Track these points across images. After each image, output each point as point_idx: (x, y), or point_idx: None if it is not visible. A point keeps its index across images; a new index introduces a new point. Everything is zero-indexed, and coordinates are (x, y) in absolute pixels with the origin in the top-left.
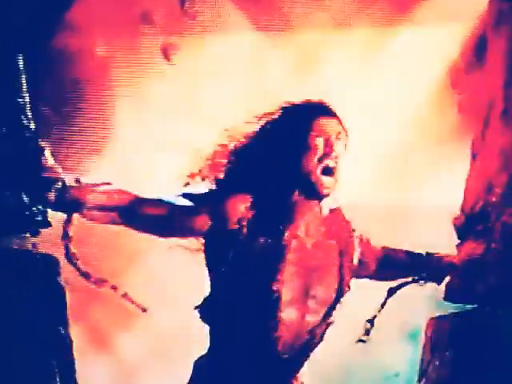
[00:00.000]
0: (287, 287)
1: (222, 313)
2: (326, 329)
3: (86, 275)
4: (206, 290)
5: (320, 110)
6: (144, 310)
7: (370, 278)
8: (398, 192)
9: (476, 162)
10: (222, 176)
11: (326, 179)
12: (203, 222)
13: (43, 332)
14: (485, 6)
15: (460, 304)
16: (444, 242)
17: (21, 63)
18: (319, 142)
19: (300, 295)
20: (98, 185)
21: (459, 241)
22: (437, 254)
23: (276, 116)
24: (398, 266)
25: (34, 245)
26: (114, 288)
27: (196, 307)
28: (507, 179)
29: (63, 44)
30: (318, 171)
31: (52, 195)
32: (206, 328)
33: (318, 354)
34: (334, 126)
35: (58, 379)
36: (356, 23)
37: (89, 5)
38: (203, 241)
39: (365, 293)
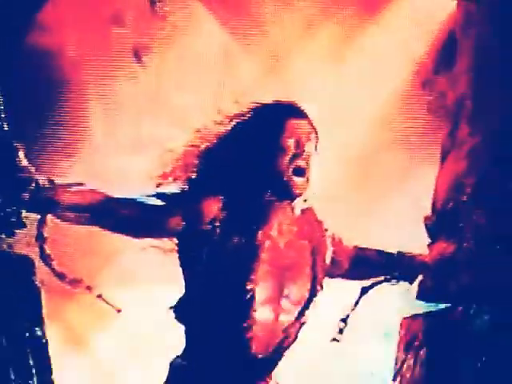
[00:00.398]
0: (261, 287)
1: (197, 313)
2: (299, 328)
3: (61, 276)
4: (181, 290)
5: (291, 111)
6: (119, 311)
7: (343, 277)
8: (369, 192)
9: (446, 162)
10: (194, 176)
11: (297, 179)
12: (176, 222)
13: (19, 332)
14: (453, 7)
15: (433, 303)
16: (415, 242)
17: None
18: (290, 142)
19: (274, 295)
20: (71, 185)
21: (430, 240)
22: (408, 253)
23: (247, 117)
24: (370, 265)
25: (9, 245)
26: (89, 288)
27: (171, 307)
28: (477, 179)
29: (35, 44)
30: (290, 172)
31: (26, 196)
32: (182, 328)
33: (292, 353)
34: (304, 126)
35: (34, 379)
36: (325, 24)
37: (60, 5)
38: (177, 241)
39: (338, 292)
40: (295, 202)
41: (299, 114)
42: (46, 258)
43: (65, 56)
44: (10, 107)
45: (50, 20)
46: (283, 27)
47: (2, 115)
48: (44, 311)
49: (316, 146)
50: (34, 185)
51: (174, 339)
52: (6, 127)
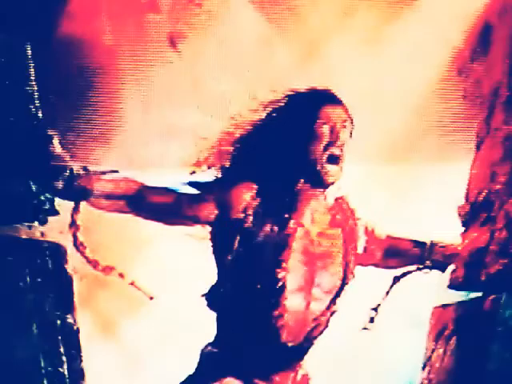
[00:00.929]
0: (292, 275)
1: (229, 300)
2: (330, 316)
3: (93, 263)
4: (213, 277)
5: (326, 97)
6: (151, 298)
7: (375, 266)
8: (402, 181)
9: (480, 150)
10: (227, 164)
11: (331, 167)
12: (209, 210)
13: (51, 319)
14: None
15: (464, 292)
16: (449, 231)
17: (29, 52)
18: (325, 129)
19: (305, 283)
20: (105, 173)
21: (464, 229)
22: (441, 242)
23: (282, 104)
24: (402, 255)
25: (42, 233)
26: (122, 275)
27: (203, 295)
28: (511, 167)
29: (70, 33)
30: (324, 159)
31: (60, 183)
32: (213, 315)
33: (322, 341)
34: (339, 113)
35: (65, 366)
36: (361, 10)
37: None
38: (210, 229)
39: (370, 281)
40: (328, 190)
41: (334, 101)
42: (78, 246)
43: (100, 44)
44: (45, 96)
45: (85, 8)
46: (319, 12)
47: (37, 103)
48: (76, 299)
49: (351, 134)
50: (68, 172)
51: (205, 326)
52: (40, 115)
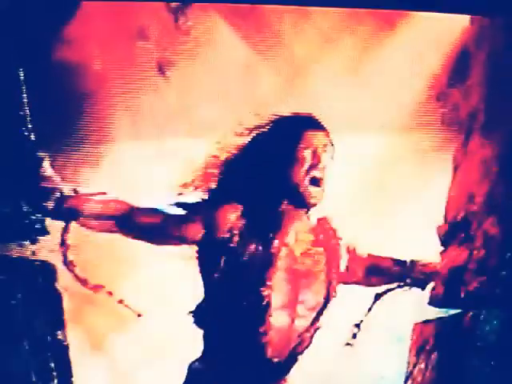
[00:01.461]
0: (277, 293)
1: (215, 317)
2: (314, 333)
3: (83, 281)
4: (200, 295)
5: (308, 122)
6: (139, 315)
7: (357, 284)
8: (383, 202)
9: (458, 172)
10: (213, 186)
11: (313, 189)
12: (196, 230)
13: (41, 336)
14: (467, 21)
15: (444, 309)
16: (428, 250)
17: (21, 76)
18: (307, 153)
19: (289, 301)
20: (94, 194)
21: (443, 248)
22: (421, 261)
23: (266, 128)
24: (383, 273)
25: (33, 252)
26: (110, 293)
27: (190, 312)
28: (487, 189)
29: (62, 58)
30: (306, 182)
31: (50, 204)
32: (200, 332)
33: (306, 357)
34: (321, 138)
35: (55, 381)
36: (343, 39)
37: (86, 20)
38: (196, 248)
39: (352, 298)
40: (311, 211)
41: (316, 125)
42: (68, 264)
43: (90, 69)
44: (36, 118)
45: (77, 34)
46: (303, 41)
47: (29, 126)
48: (66, 316)
49: (332, 157)
50: (58, 193)
51: (192, 343)
52: (32, 137)
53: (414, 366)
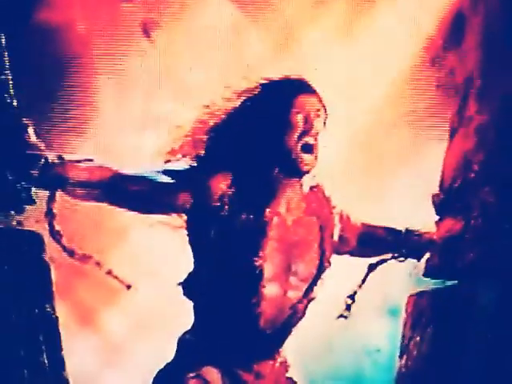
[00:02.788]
0: (269, 263)
1: (206, 289)
2: (307, 304)
3: (70, 252)
4: (190, 266)
5: (300, 86)
6: (128, 287)
7: (351, 254)
8: (377, 169)
9: (454, 139)
10: (202, 153)
11: (305, 156)
12: (185, 198)
13: (29, 309)
14: None
15: (439, 280)
16: (423, 219)
17: (2, 40)
18: (299, 119)
19: (282, 271)
20: (80, 161)
21: (438, 217)
22: (416, 230)
23: (256, 92)
24: (378, 243)
25: (18, 222)
26: (99, 264)
27: (179, 283)
28: (484, 156)
29: (44, 21)
30: (298, 148)
31: (35, 172)
32: (190, 304)
33: (300, 329)
34: (313, 102)
35: (44, 355)
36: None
37: None
38: (185, 217)
39: (345, 269)
40: (303, 178)
41: (308, 90)
42: (55, 235)
43: (73, 32)
44: (19, 84)
45: None
46: (293, 1)
47: (11, 92)
48: (54, 288)
49: (325, 123)
50: (43, 161)
51: (182, 315)
52: (15, 104)
53: (410, 340)
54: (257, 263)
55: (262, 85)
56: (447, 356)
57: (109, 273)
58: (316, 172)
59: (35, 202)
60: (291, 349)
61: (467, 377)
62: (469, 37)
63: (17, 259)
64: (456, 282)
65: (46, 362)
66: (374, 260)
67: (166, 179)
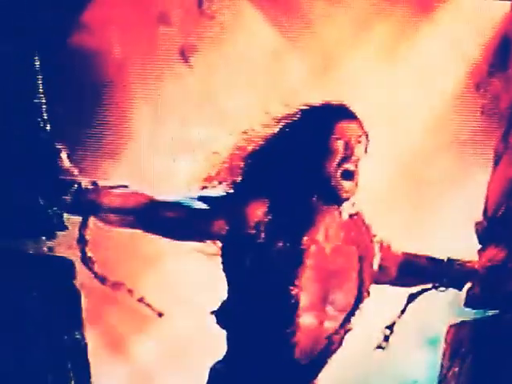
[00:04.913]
0: (305, 293)
1: (239, 318)
2: (344, 335)
3: (102, 279)
4: (223, 294)
5: (341, 112)
6: (160, 315)
7: (391, 283)
8: (418, 197)
9: (498, 166)
10: (239, 179)
11: (345, 183)
12: (220, 225)
13: (58, 336)
14: (508, 7)
15: (481, 310)
16: (466, 248)
17: (37, 64)
18: (339, 145)
19: (318, 301)
20: (114, 187)
21: (481, 246)
22: (458, 259)
23: (295, 118)
24: (418, 272)
25: (49, 248)
26: (131, 292)
27: (212, 312)
28: None
29: (80, 45)
30: (338, 175)
31: (68, 198)
32: (223, 333)
33: (336, 360)
34: (354, 128)
35: (72, 382)
36: (377, 23)
37: (105, 5)
38: (220, 244)
39: (384, 299)
40: (343, 206)
41: (349, 115)
42: (87, 261)
43: (110, 56)
44: (53, 108)
45: (95, 20)
46: (334, 26)
47: (45, 116)
48: (84, 315)
49: (366, 149)
50: (76, 187)
51: (215, 344)
52: (48, 128)
53: (448, 370)
54: (293, 292)
55: (301, 110)
56: None
57: (140, 300)
58: (356, 199)
59: (67, 228)
60: (326, 380)
61: None
62: None
63: (47, 285)
64: (497, 311)
65: None
66: (414, 290)
67: (202, 206)
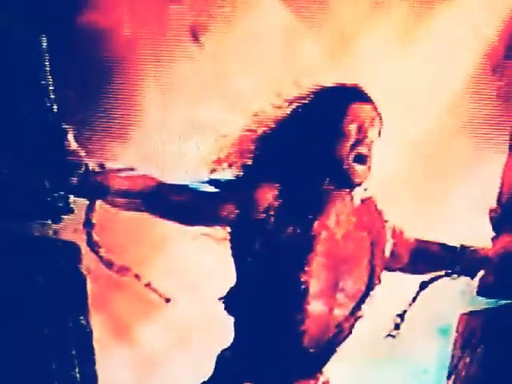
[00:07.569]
0: (315, 279)
1: (248, 304)
2: (354, 323)
3: (108, 263)
4: (232, 280)
5: (354, 94)
6: (167, 301)
7: (402, 270)
8: (432, 182)
9: None
10: (249, 162)
11: (358, 167)
12: (229, 209)
13: (63, 321)
14: None
15: (493, 299)
16: (479, 235)
17: (44, 43)
18: (352, 127)
19: (328, 288)
20: (121, 170)
21: (494, 233)
22: (471, 246)
23: (308, 100)
24: (431, 259)
25: (55, 232)
26: (137, 277)
27: (221, 298)
28: None
29: (88, 23)
30: (351, 159)
31: (75, 180)
32: (231, 319)
33: (345, 348)
34: (368, 111)
35: (77, 369)
36: (393, 4)
37: None
38: (229, 229)
39: (396, 286)
40: (355, 190)
41: (363, 97)
42: (93, 245)
43: (119, 35)
44: (60, 88)
45: None
46: (350, 6)
47: (52, 97)
48: (89, 300)
49: (380, 132)
50: (83, 169)
51: (222, 331)
52: (55, 109)
53: (459, 360)
54: (302, 279)
55: (314, 92)
56: (496, 378)
57: (148, 285)
58: (368, 184)
59: (73, 211)
60: (335, 368)
61: None
62: None
63: (52, 270)
64: (510, 301)
65: (77, 376)
66: (426, 277)
67: (211, 189)
